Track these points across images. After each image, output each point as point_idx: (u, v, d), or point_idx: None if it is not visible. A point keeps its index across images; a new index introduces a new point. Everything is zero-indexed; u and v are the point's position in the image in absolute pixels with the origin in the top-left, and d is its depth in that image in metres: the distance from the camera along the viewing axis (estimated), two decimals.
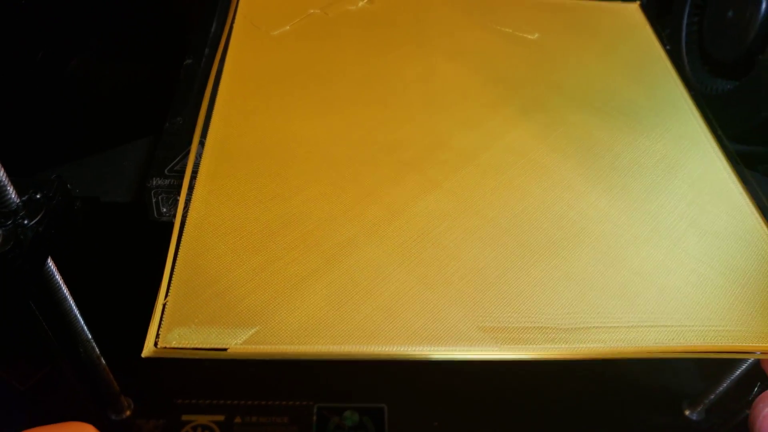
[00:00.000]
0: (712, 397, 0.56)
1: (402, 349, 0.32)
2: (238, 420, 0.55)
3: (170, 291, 0.32)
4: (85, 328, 0.43)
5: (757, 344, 0.33)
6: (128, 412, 0.53)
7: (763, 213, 0.40)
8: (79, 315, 0.41)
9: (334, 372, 0.60)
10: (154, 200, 0.37)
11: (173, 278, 0.33)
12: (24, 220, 0.32)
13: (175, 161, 0.39)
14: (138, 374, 0.55)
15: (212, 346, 0.31)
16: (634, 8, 0.56)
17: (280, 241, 0.35)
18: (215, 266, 0.34)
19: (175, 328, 0.31)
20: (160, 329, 0.31)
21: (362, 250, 0.35)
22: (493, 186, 0.39)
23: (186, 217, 0.35)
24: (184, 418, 0.55)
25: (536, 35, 0.51)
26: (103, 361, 0.47)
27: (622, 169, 0.42)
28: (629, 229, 0.38)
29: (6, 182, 0.31)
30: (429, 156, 0.41)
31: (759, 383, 0.51)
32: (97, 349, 0.45)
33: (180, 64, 0.45)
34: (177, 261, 0.34)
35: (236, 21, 0.48)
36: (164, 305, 0.32)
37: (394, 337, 0.32)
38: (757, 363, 0.49)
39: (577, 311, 0.34)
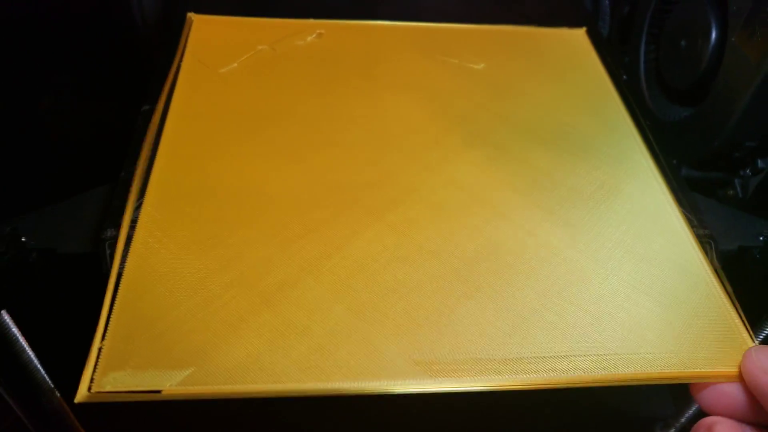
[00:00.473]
0: (683, 420, 0.56)
1: (336, 385, 0.32)
2: None
3: (107, 335, 0.33)
4: (46, 377, 0.43)
5: (683, 370, 0.34)
6: None
7: (704, 238, 0.41)
8: (39, 365, 0.41)
9: (303, 412, 0.60)
10: (108, 251, 0.37)
11: (110, 322, 0.33)
12: None
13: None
14: (106, 418, 0.56)
15: (146, 389, 0.31)
16: (581, 34, 0.57)
17: (218, 282, 0.35)
18: (153, 309, 0.34)
19: (110, 373, 0.31)
20: (95, 374, 0.31)
21: (299, 288, 0.36)
22: (432, 219, 0.40)
23: (125, 263, 0.36)
24: None
25: (482, 65, 0.52)
26: (67, 408, 0.47)
27: (561, 197, 0.42)
28: (566, 258, 0.39)
29: None
30: (370, 191, 0.41)
31: None
32: (59, 397, 0.45)
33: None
34: (115, 305, 0.34)
35: (184, 60, 0.49)
36: (100, 349, 0.32)
37: (329, 374, 0.32)
38: None
39: (510, 342, 0.34)
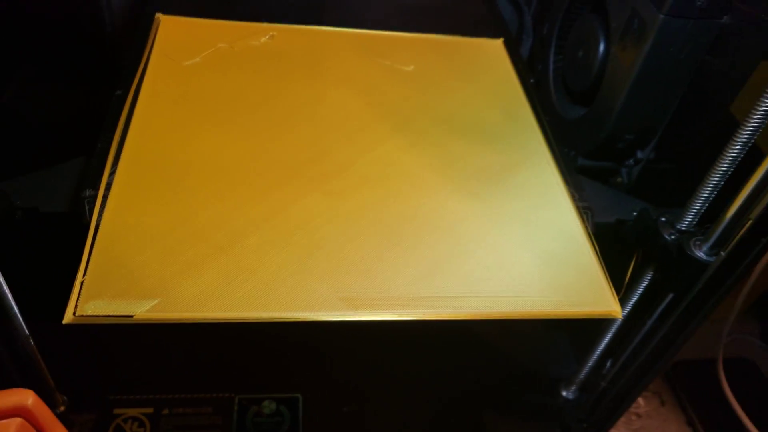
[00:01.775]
0: (582, 376, 0.66)
1: (276, 314, 0.40)
2: (165, 412, 0.62)
3: (87, 271, 0.40)
4: (24, 325, 0.49)
5: (554, 310, 0.43)
6: (62, 408, 0.59)
7: (584, 213, 0.51)
8: (19, 314, 0.48)
9: (254, 365, 0.67)
10: (87, 207, 0.44)
11: (90, 262, 0.40)
12: None
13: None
14: (72, 372, 0.62)
15: (121, 313, 0.38)
16: (498, 44, 0.67)
17: (181, 232, 0.43)
18: (125, 253, 0.41)
19: (91, 300, 0.38)
20: (78, 301, 0.38)
21: (249, 239, 0.43)
22: (363, 189, 0.48)
23: (102, 216, 0.43)
24: (116, 411, 0.61)
25: (411, 67, 0.61)
26: (40, 358, 0.53)
27: (470, 175, 0.51)
28: (471, 222, 0.48)
29: None
30: (311, 165, 0.49)
31: (610, 359, 0.61)
32: (34, 346, 0.51)
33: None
34: (93, 249, 0.41)
35: (153, 54, 0.56)
36: (82, 282, 0.39)
37: (270, 306, 0.40)
38: (610, 343, 0.59)
39: (420, 284, 0.43)
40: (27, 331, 0.50)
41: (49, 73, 0.64)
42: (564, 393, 0.69)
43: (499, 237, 0.47)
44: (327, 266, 0.43)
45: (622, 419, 0.80)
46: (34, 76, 0.63)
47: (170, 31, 0.60)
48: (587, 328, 0.64)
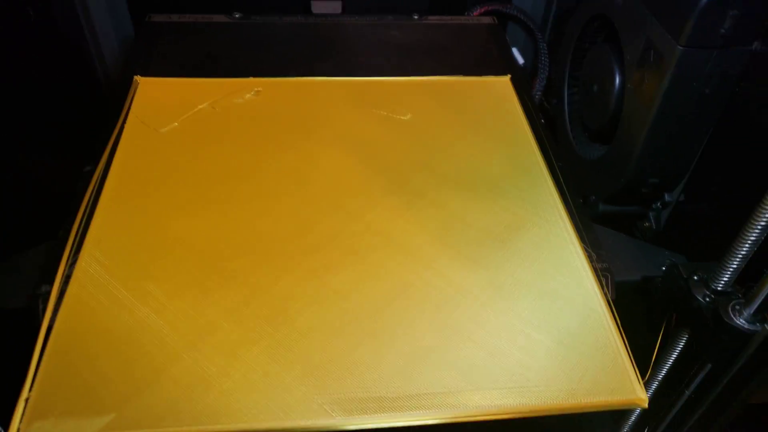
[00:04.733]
0: None
1: (244, 425, 0.35)
2: None
3: (35, 385, 0.36)
4: None
5: (567, 402, 0.37)
6: None
7: (602, 277, 0.44)
8: None
9: None
10: (41, 306, 0.40)
11: (39, 373, 0.36)
12: None
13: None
14: None
15: None
16: (505, 82, 0.61)
17: (144, 333, 0.39)
18: (81, 360, 0.37)
19: (35, 422, 0.35)
20: (21, 423, 0.34)
21: (219, 334, 0.39)
22: (348, 264, 0.44)
23: (56, 316, 0.39)
24: None
25: (408, 116, 0.56)
26: None
27: (471, 238, 0.46)
28: (469, 295, 0.42)
29: None
30: (293, 240, 0.45)
31: (646, 430, 0.54)
32: None
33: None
34: (44, 357, 0.37)
35: (128, 121, 0.53)
36: (27, 399, 0.35)
37: (240, 415, 0.36)
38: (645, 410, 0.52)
39: (410, 379, 0.37)
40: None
41: (19, 150, 0.61)
42: None
43: (503, 314, 0.41)
44: (305, 363, 0.38)
45: None
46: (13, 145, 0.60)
47: (148, 94, 0.57)
48: None
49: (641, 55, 0.48)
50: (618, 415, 0.56)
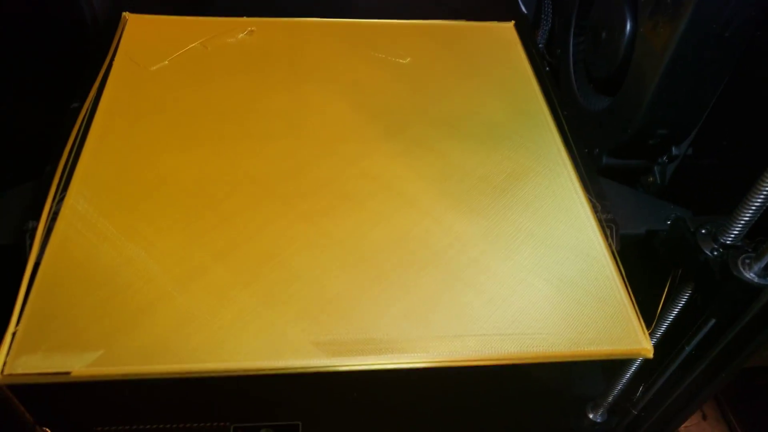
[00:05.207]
0: (611, 399, 0.59)
1: (235, 365, 0.34)
2: None
3: (22, 319, 0.35)
4: None
5: (569, 350, 0.36)
6: None
7: (607, 228, 0.43)
8: None
9: (250, 391, 0.62)
10: (28, 242, 0.39)
11: (26, 308, 0.35)
12: None
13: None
14: (53, 403, 0.57)
15: (56, 370, 0.33)
16: (509, 27, 0.59)
17: (132, 270, 0.37)
18: (68, 296, 0.36)
19: (22, 356, 0.33)
20: (8, 357, 0.33)
21: (209, 276, 0.38)
22: (343, 209, 0.42)
23: (44, 252, 0.38)
24: None
25: (408, 59, 0.54)
26: (10, 394, 0.48)
27: (470, 186, 0.44)
28: (469, 243, 0.41)
29: None
30: (286, 182, 0.43)
31: (642, 384, 0.54)
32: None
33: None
34: (31, 292, 0.36)
35: (116, 58, 0.51)
36: (14, 334, 0.34)
37: (231, 355, 0.34)
38: (644, 363, 0.52)
39: (407, 323, 0.36)
40: None
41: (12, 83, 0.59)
42: (591, 415, 0.61)
43: (503, 262, 0.40)
44: (299, 305, 0.37)
45: None
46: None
47: (138, 31, 0.54)
48: None
49: None
50: (613, 371, 0.56)
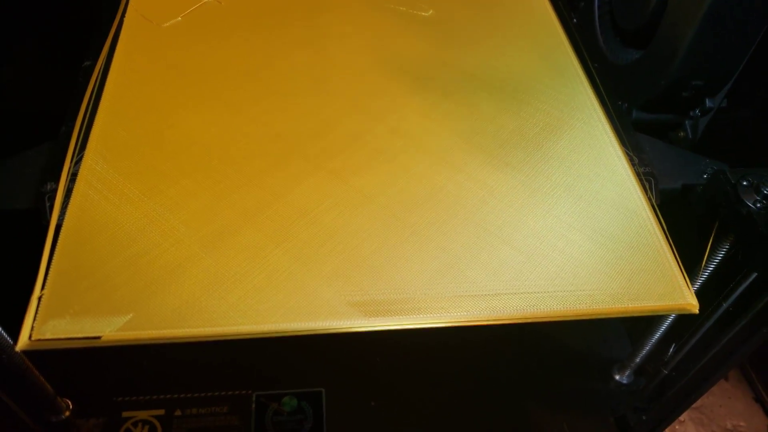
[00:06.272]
0: (638, 360, 0.58)
1: (269, 326, 0.33)
2: (177, 413, 0.57)
3: (47, 284, 0.33)
4: (5, 335, 0.43)
5: (613, 306, 0.35)
6: (67, 413, 0.54)
7: (646, 181, 0.42)
8: None
9: (272, 359, 0.61)
10: (48, 204, 0.37)
11: (50, 272, 0.34)
12: None
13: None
14: (75, 374, 0.57)
15: (86, 335, 0.32)
16: None
17: (157, 230, 0.36)
18: (93, 258, 0.35)
19: (50, 320, 0.32)
20: (35, 322, 0.32)
21: (239, 235, 0.36)
22: (373, 166, 0.40)
23: (65, 213, 0.36)
24: (125, 414, 0.56)
25: (430, 12, 0.52)
26: (31, 365, 0.47)
27: (503, 140, 0.43)
28: (504, 199, 0.39)
29: None
30: (313, 140, 0.41)
31: (673, 344, 0.53)
32: (20, 353, 0.45)
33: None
34: (54, 255, 0.34)
35: (127, 15, 0.48)
36: (40, 298, 0.33)
37: (265, 316, 0.33)
38: (674, 323, 0.51)
39: (444, 281, 0.35)
40: (10, 340, 0.45)
41: (12, 49, 0.57)
42: (617, 377, 0.61)
43: (540, 217, 0.38)
44: (332, 264, 0.35)
45: None
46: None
47: None
48: None
49: None
50: (638, 333, 0.55)
